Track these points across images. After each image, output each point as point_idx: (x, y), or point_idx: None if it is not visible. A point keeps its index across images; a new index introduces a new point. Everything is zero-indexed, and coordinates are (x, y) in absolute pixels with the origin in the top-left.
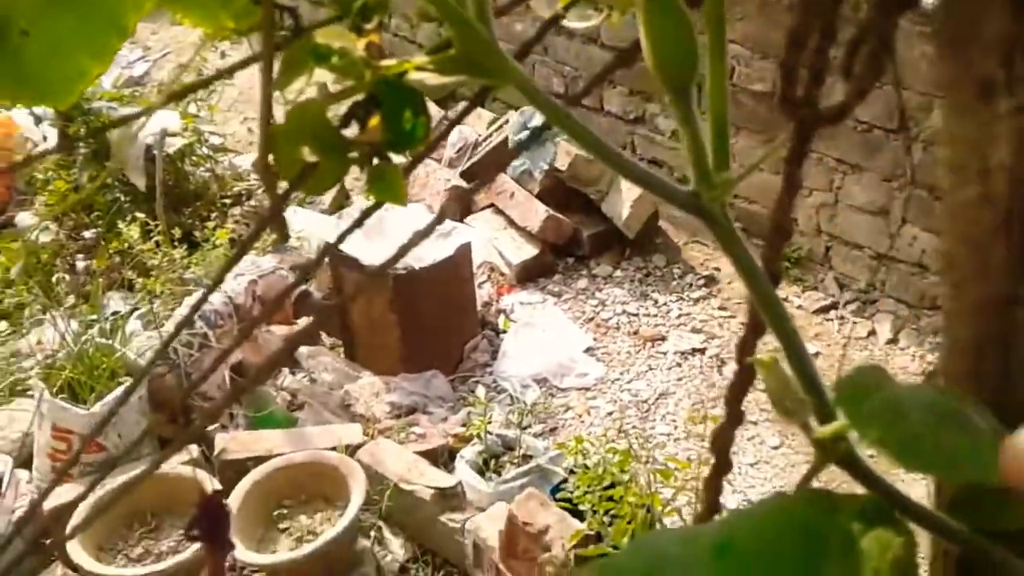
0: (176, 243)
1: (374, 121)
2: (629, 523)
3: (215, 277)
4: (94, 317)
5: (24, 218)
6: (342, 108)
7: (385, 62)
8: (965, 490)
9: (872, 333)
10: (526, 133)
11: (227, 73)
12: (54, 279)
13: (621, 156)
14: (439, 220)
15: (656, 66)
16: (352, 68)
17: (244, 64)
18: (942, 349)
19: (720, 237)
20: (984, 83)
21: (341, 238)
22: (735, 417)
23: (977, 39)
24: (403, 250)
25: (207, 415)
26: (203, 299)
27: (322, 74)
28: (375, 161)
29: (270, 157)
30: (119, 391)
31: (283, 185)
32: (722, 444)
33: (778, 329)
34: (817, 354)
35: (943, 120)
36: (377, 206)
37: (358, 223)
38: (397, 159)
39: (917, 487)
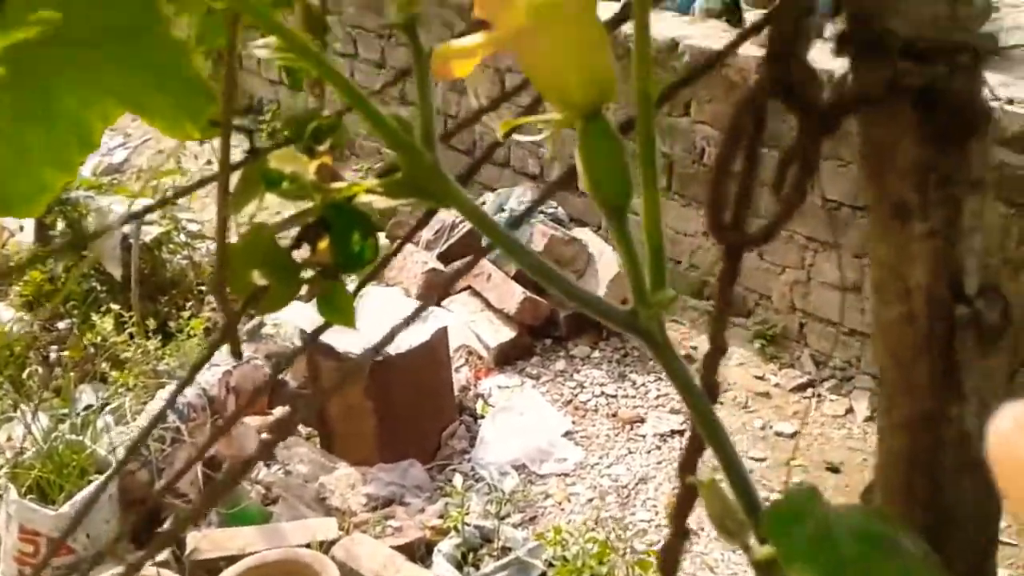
0: (150, 334)
1: (323, 243)
2: None
3: (187, 375)
4: (65, 411)
5: None
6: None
7: (335, 184)
8: None
9: (850, 411)
10: (504, 215)
11: (183, 193)
12: (25, 373)
13: (563, 278)
14: (422, 308)
15: (591, 189)
16: (302, 192)
17: (200, 185)
18: (877, 464)
19: (656, 354)
20: (900, 207)
21: (321, 329)
22: (682, 533)
23: (893, 166)
24: (388, 338)
25: (183, 520)
26: (175, 394)
27: (273, 199)
28: (325, 282)
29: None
30: (89, 490)
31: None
32: (671, 557)
33: (716, 446)
34: (795, 433)
35: (869, 242)
36: (355, 293)
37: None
38: (347, 278)
39: None
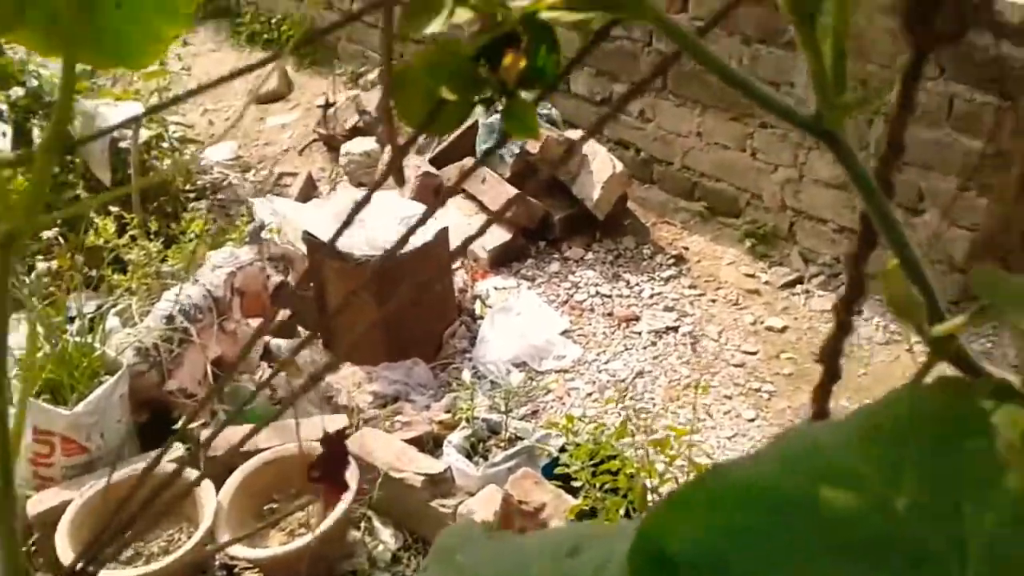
0: (151, 237)
1: (508, 59)
2: (625, 496)
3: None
4: (72, 316)
5: None
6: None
7: (518, 2)
8: None
9: None
10: (496, 117)
11: (354, 18)
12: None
13: (744, 78)
14: (430, 213)
15: None
16: (490, 5)
17: (358, 15)
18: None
19: (840, 156)
20: None
21: (338, 233)
22: (844, 326)
23: None
24: (400, 242)
25: (192, 412)
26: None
27: (463, 14)
28: (505, 99)
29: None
30: (101, 390)
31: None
32: (831, 352)
33: (892, 239)
34: (785, 328)
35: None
36: (368, 197)
37: (352, 216)
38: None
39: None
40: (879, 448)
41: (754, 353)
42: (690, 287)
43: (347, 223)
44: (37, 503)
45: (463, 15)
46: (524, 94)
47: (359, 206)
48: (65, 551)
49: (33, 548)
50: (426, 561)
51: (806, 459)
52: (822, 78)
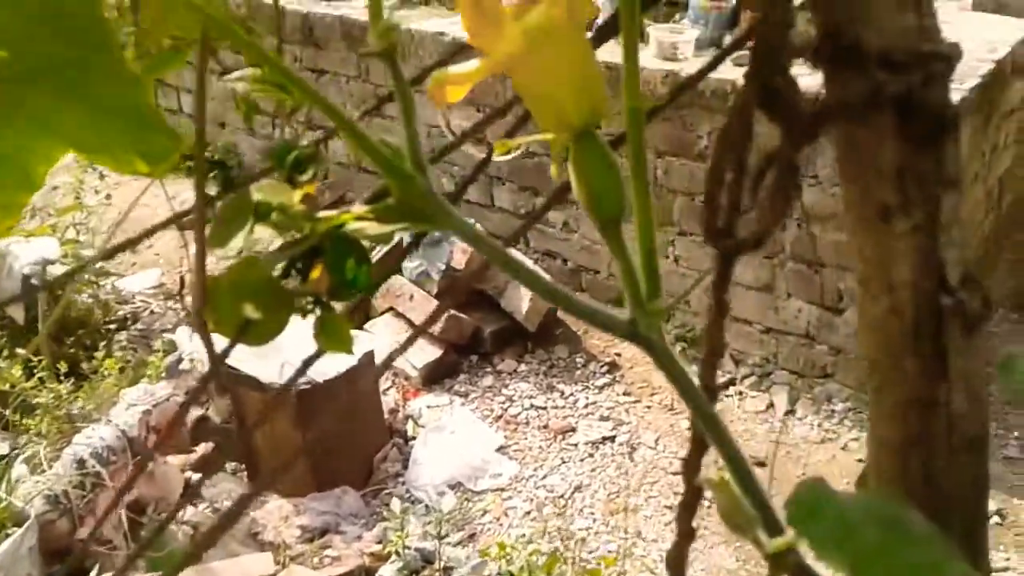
0: (61, 378)
1: (316, 272)
2: None
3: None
4: None
5: None
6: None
7: (324, 214)
8: None
9: (770, 406)
10: (420, 255)
11: (139, 240)
12: None
13: (567, 295)
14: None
15: (586, 203)
16: (292, 222)
17: (176, 219)
18: (870, 451)
19: (658, 361)
20: (882, 207)
21: (225, 353)
22: (687, 533)
23: (873, 169)
24: (305, 366)
25: (121, 570)
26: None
27: (262, 231)
28: (317, 311)
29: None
30: (8, 543)
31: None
32: (677, 562)
33: (721, 446)
34: None
35: (853, 240)
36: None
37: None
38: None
39: None
40: None
41: None
42: (624, 394)
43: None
44: None
45: (263, 232)
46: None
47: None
48: None
49: None
50: None
51: None
52: (634, 286)
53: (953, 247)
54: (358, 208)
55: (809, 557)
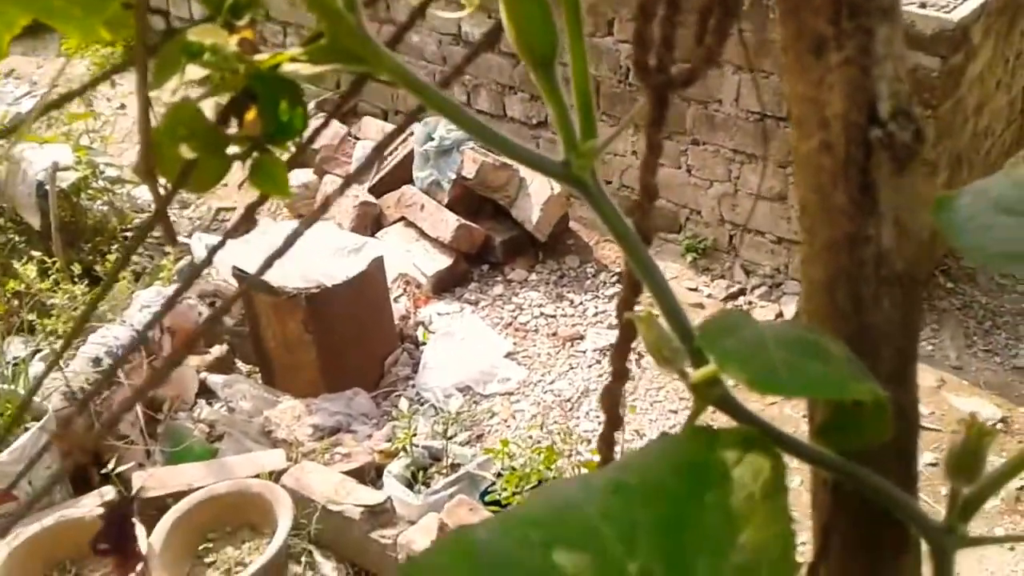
0: (76, 280)
1: (251, 115)
2: None
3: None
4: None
5: None
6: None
7: (259, 56)
8: (830, 417)
9: (780, 315)
10: (431, 144)
11: (101, 79)
12: None
13: (491, 130)
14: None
15: (519, 44)
16: (225, 63)
17: (116, 70)
18: (802, 293)
19: (591, 201)
20: (816, 40)
21: (266, 266)
22: (621, 374)
23: (808, 2)
24: (265, 266)
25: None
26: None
27: (195, 72)
28: (255, 155)
29: (151, 159)
30: (26, 437)
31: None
32: (611, 401)
33: (651, 285)
34: None
35: (785, 80)
36: (300, 232)
37: (282, 251)
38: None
39: (789, 427)
40: (621, 505)
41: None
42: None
43: (274, 258)
44: None
45: (196, 72)
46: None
47: (289, 241)
48: None
49: None
50: None
51: (551, 519)
52: (567, 127)
53: (886, 80)
54: (292, 50)
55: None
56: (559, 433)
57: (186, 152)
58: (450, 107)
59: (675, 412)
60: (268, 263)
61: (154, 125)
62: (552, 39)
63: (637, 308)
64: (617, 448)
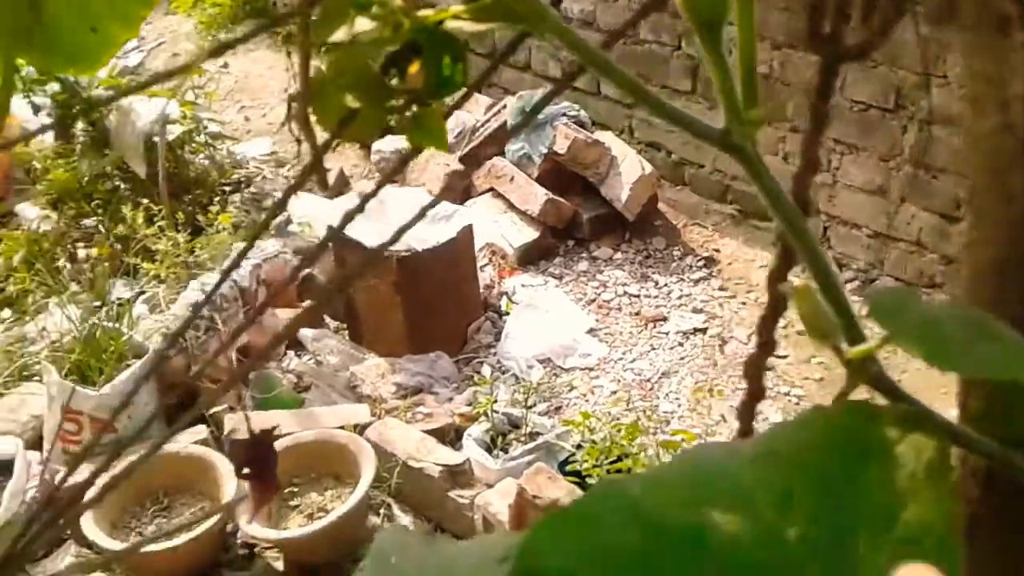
0: (179, 228)
1: (414, 69)
2: None
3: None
4: (98, 303)
5: (24, 208)
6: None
7: (423, 11)
8: (989, 403)
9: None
10: (523, 138)
11: (250, 36)
12: (55, 267)
13: (652, 94)
14: (435, 203)
15: (686, 5)
16: (391, 17)
17: (273, 24)
18: (964, 277)
19: (751, 172)
20: (1000, 18)
21: (345, 222)
22: (767, 345)
23: None
24: (402, 230)
25: (214, 393)
26: (229, 271)
27: (363, 24)
28: (415, 108)
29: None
30: (129, 372)
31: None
32: (755, 371)
33: (809, 257)
34: None
35: (964, 59)
36: (377, 190)
37: (362, 206)
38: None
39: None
40: (775, 473)
41: (784, 357)
42: (720, 289)
43: (353, 214)
44: (64, 477)
45: (365, 24)
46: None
47: (367, 198)
48: (90, 525)
49: (60, 521)
50: (363, 563)
51: (700, 481)
52: (731, 94)
53: None
54: (457, 7)
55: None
56: (644, 411)
57: (351, 101)
58: (610, 68)
59: None
60: (347, 219)
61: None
62: (722, 3)
63: (722, 293)
64: (696, 429)
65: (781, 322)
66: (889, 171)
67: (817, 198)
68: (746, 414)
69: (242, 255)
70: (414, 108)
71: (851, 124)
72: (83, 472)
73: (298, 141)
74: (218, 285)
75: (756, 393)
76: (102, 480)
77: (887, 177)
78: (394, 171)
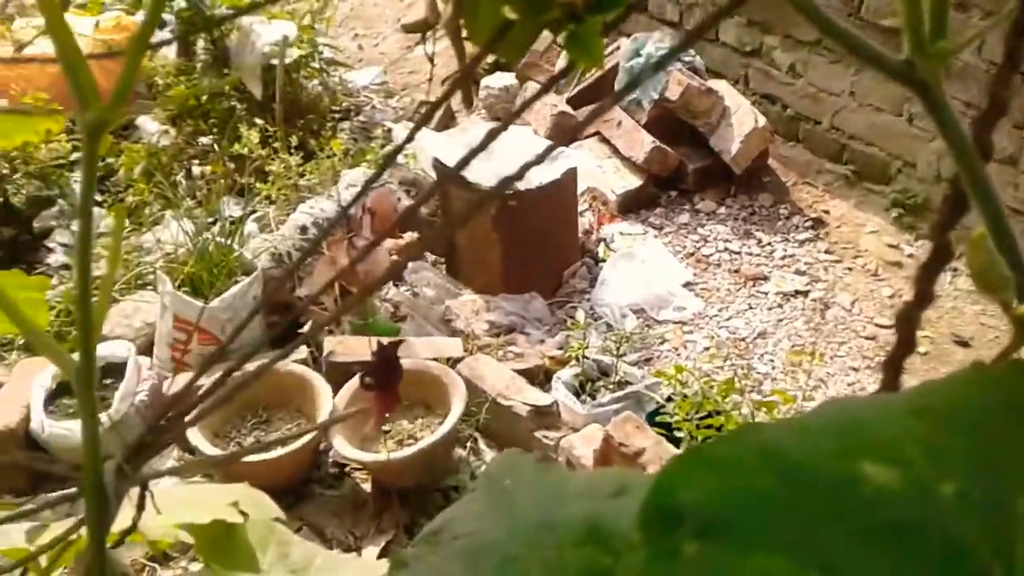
0: (292, 151)
1: None
2: None
3: (374, 174)
4: (211, 219)
5: (145, 121)
6: None
7: None
8: None
9: None
10: (638, 60)
11: None
12: (171, 182)
13: (840, 26)
14: (552, 148)
15: None
16: None
17: None
18: None
19: (931, 108)
20: None
21: (468, 159)
22: (924, 296)
23: None
24: (519, 174)
25: (320, 324)
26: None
27: None
28: (573, 25)
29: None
30: (236, 288)
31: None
32: (908, 323)
33: (984, 205)
34: None
35: None
36: (506, 125)
37: (486, 143)
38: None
39: None
40: (928, 429)
41: (888, 327)
42: (826, 252)
43: (474, 154)
44: (173, 384)
45: None
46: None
47: (490, 137)
48: (194, 432)
49: (165, 423)
50: (476, 483)
51: (845, 431)
52: (918, 23)
53: None
54: None
55: None
56: (741, 368)
57: (508, 12)
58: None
59: (855, 370)
60: (468, 159)
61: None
62: None
63: (826, 257)
64: (795, 393)
65: (887, 290)
66: (1022, 140)
67: (939, 165)
68: (892, 368)
69: (373, 180)
70: (572, 24)
71: (984, 87)
72: (188, 381)
73: (430, 60)
74: (346, 210)
75: (906, 345)
76: (207, 388)
77: (1020, 146)
78: (512, 115)
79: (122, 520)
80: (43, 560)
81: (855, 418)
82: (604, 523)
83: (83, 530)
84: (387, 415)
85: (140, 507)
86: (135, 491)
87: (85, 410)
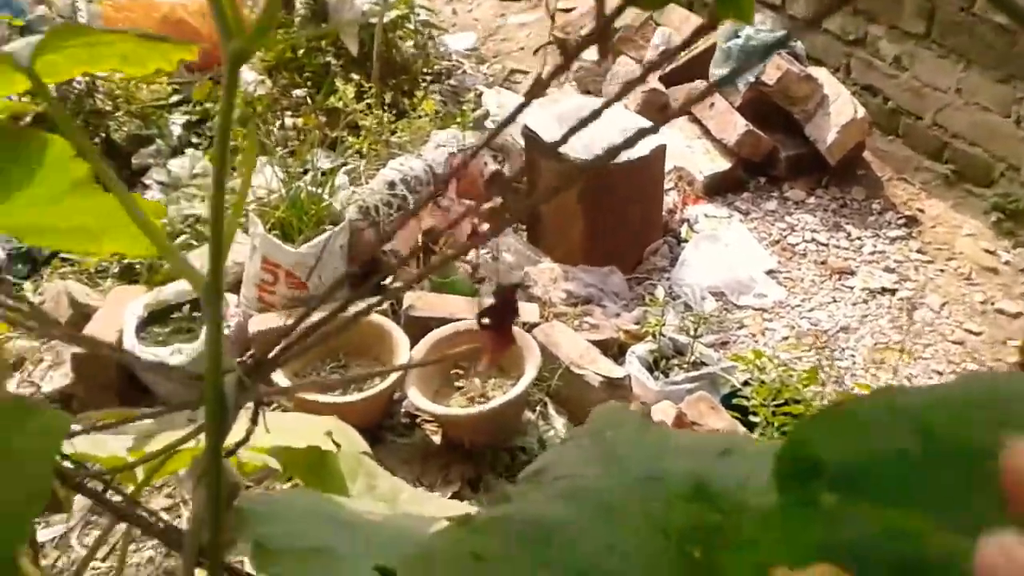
0: (385, 108)
1: None
2: None
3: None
4: (303, 168)
5: (243, 70)
6: None
7: None
8: None
9: None
10: (736, 42)
11: None
12: (267, 130)
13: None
14: (652, 131)
15: None
16: None
17: None
18: None
19: None
20: None
21: (570, 133)
22: None
23: None
24: (610, 153)
25: (408, 281)
26: (493, 134)
27: None
28: None
29: None
30: (324, 236)
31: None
32: None
33: None
34: (1019, 314)
35: None
36: (599, 112)
37: (597, 113)
38: None
39: None
40: None
41: (978, 334)
42: (918, 251)
43: (576, 128)
44: (259, 322)
45: None
46: None
47: (594, 114)
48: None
49: (249, 360)
50: (575, 430)
51: (985, 402)
52: None
53: None
54: None
55: None
56: (827, 359)
57: None
58: None
59: (939, 373)
60: (570, 133)
61: None
62: None
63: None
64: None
65: (979, 296)
66: None
67: None
68: None
69: (480, 148)
70: None
71: None
72: (272, 320)
73: (552, 18)
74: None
75: None
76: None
77: None
78: (616, 96)
79: (235, 433)
80: (139, 472)
81: (996, 392)
82: (711, 481)
83: (189, 444)
84: (502, 354)
85: (254, 421)
86: (249, 407)
87: (212, 322)
